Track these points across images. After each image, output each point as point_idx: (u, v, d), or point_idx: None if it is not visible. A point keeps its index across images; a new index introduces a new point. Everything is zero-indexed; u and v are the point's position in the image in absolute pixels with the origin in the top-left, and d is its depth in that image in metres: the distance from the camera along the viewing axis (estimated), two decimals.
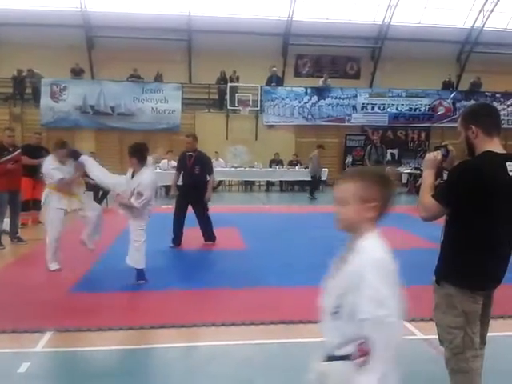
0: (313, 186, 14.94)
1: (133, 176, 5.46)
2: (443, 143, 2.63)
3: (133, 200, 5.24)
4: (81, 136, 17.67)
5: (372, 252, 1.62)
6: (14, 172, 7.38)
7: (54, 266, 5.95)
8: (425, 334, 4.09)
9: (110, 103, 17.70)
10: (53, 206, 5.92)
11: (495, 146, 2.41)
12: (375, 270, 1.58)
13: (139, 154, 5.47)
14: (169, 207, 12.14)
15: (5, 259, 6.69)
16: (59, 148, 6.03)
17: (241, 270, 6.07)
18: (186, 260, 6.84)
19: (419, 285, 5.40)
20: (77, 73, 18.37)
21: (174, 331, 4.09)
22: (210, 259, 6.79)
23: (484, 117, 2.46)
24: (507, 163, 2.35)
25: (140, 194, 5.24)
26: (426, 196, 2.45)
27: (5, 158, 7.22)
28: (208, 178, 7.58)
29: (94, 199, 11.58)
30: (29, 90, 18.21)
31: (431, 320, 4.29)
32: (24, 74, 17.89)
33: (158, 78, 18.47)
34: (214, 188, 16.20)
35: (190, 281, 5.67)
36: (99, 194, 11.58)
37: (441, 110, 19.20)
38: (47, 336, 3.91)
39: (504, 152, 2.42)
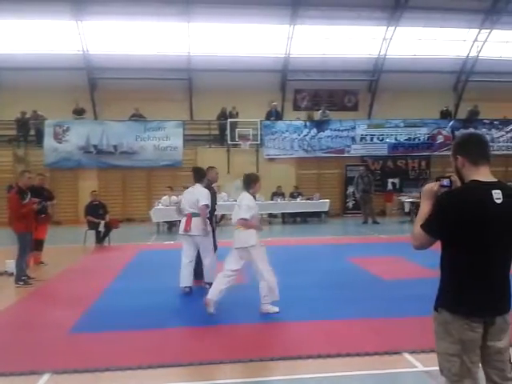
0: None
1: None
2: (447, 174, 2.59)
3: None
4: (83, 175, 17.91)
5: None
6: (31, 213, 7.53)
7: (273, 309, 5.72)
8: (426, 365, 4.01)
9: (112, 142, 17.93)
10: (258, 243, 5.73)
11: (482, 175, 2.44)
12: None
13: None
14: (171, 243, 12.18)
15: (9, 299, 6.64)
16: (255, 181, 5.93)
17: (241, 305, 6.02)
18: (189, 296, 6.77)
19: (420, 316, 5.37)
20: (78, 112, 18.68)
21: (172, 370, 4.03)
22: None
23: (469, 147, 2.50)
24: (493, 191, 2.38)
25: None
26: (417, 225, 2.51)
27: (27, 201, 7.37)
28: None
29: (96, 237, 11.67)
30: (32, 132, 18.52)
31: (432, 351, 4.25)
32: (28, 116, 18.24)
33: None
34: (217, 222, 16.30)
35: (191, 318, 5.61)
36: (100, 233, 11.62)
37: (440, 139, 19.32)
38: (45, 378, 3.86)
39: (491, 180, 2.44)
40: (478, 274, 2.40)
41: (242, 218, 5.65)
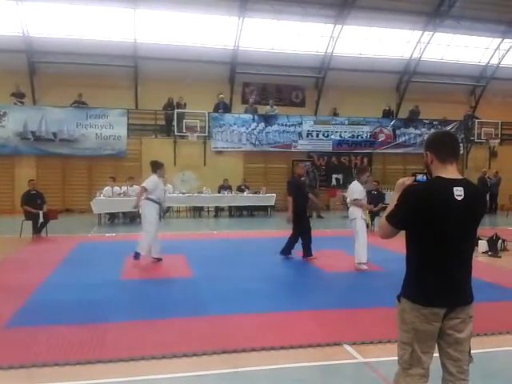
0: None
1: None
2: (425, 170, 2.67)
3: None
4: (21, 163, 17.13)
5: None
6: None
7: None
8: (365, 357, 4.12)
9: (52, 129, 17.17)
10: (359, 217, 7.88)
11: (448, 171, 2.54)
12: None
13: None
14: (113, 235, 11.87)
15: None
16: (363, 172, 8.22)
17: (185, 299, 5.96)
18: (131, 290, 6.64)
19: (361, 308, 5.54)
20: (19, 95, 17.72)
21: (112, 366, 3.94)
22: (155, 288, 6.63)
23: (437, 144, 2.61)
24: (455, 188, 2.47)
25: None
26: (384, 216, 2.61)
27: None
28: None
29: (33, 228, 11.19)
30: None
31: (372, 343, 4.40)
32: None
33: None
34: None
35: (132, 312, 5.49)
36: (38, 223, 11.16)
37: (381, 137, 19.96)
38: None
39: (456, 177, 2.53)
40: (436, 267, 2.47)
41: (356, 199, 7.86)
